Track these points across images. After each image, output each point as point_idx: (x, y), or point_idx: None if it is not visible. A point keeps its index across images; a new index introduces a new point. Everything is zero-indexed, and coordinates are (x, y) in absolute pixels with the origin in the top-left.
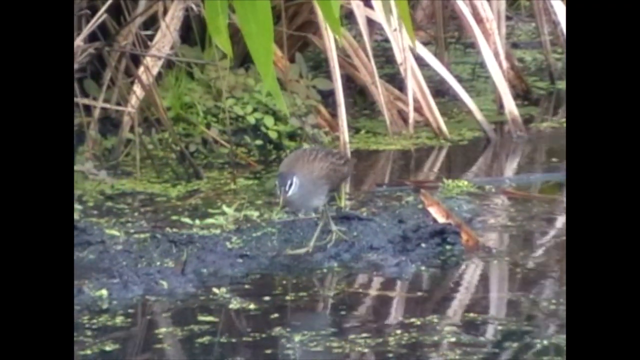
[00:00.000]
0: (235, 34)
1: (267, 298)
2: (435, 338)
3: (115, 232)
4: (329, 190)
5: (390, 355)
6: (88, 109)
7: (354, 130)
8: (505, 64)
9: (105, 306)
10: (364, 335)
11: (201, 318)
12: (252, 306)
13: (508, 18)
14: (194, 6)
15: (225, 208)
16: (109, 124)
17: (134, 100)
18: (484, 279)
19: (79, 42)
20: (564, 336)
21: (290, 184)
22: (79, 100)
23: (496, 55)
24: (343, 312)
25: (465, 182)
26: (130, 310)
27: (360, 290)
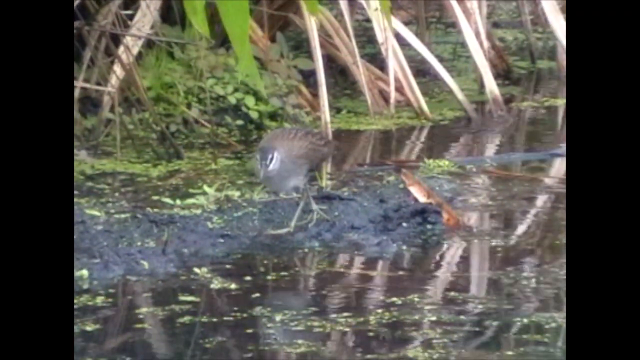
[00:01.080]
0: (215, 14)
1: (248, 278)
2: (416, 317)
3: (95, 212)
4: (307, 170)
5: (371, 334)
6: None
7: (335, 110)
8: (486, 44)
9: (85, 286)
10: (345, 314)
11: (182, 298)
12: (233, 286)
13: None
14: None
15: (206, 188)
16: (89, 103)
17: (114, 80)
18: (465, 258)
19: None
20: (544, 314)
21: (271, 159)
22: None
23: (477, 34)
24: (324, 292)
25: (446, 162)
26: (111, 290)
27: (342, 269)
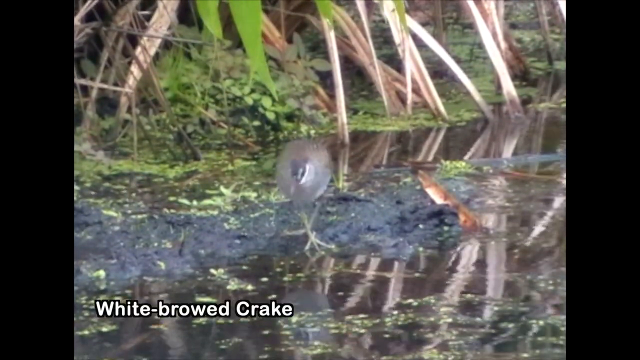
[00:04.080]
0: (231, 16)
1: (264, 279)
2: (432, 319)
3: (112, 213)
4: (328, 179)
5: (387, 336)
6: (85, 90)
7: (352, 111)
8: (503, 45)
9: (102, 287)
10: (361, 316)
11: (199, 299)
12: (249, 287)
13: None
14: None
15: (223, 189)
16: (107, 104)
17: (131, 81)
18: (482, 260)
19: (76, 21)
20: (561, 317)
21: (303, 172)
22: (77, 80)
23: (494, 35)
24: (340, 293)
25: (463, 163)
26: (127, 291)
27: (358, 271)
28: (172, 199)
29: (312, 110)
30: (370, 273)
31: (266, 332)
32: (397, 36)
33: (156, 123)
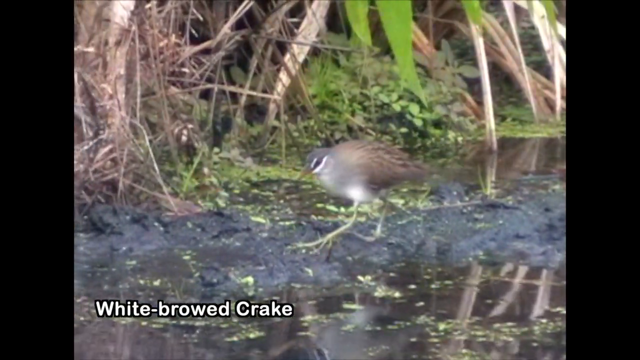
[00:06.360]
0: (379, 22)
1: (412, 286)
2: None
3: (261, 220)
4: (367, 182)
5: (535, 344)
6: (234, 97)
7: (500, 118)
8: None
9: (251, 293)
10: (509, 324)
11: (346, 306)
12: (397, 294)
13: None
14: None
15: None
16: (255, 111)
17: (279, 88)
18: None
19: (226, 29)
20: None
21: (317, 162)
22: (226, 87)
23: None
24: (488, 301)
25: None
26: (275, 298)
27: (506, 278)
28: (319, 205)
29: (460, 117)
30: (519, 281)
31: (414, 339)
32: (546, 42)
33: (304, 130)
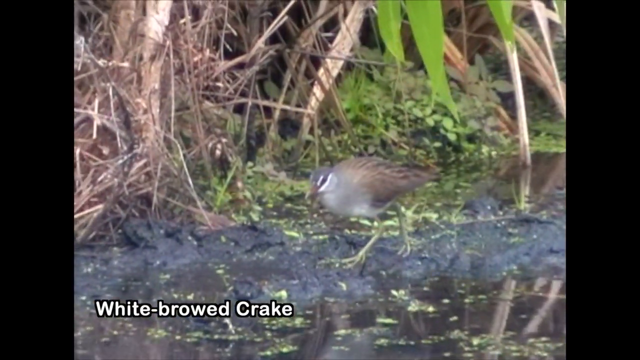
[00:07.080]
0: (413, 37)
1: (445, 301)
2: None
3: (294, 234)
4: (372, 200)
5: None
6: (268, 111)
7: (534, 132)
8: None
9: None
10: (543, 339)
11: (380, 320)
12: (430, 309)
13: None
14: (374, 8)
15: (404, 210)
16: (289, 125)
17: (313, 102)
18: None
19: (260, 43)
20: None
21: (323, 180)
22: (260, 101)
23: None
24: (522, 316)
25: None
26: (309, 312)
27: (540, 293)
28: (353, 219)
29: (494, 132)
30: (553, 295)
31: (447, 354)
32: None
33: (338, 144)
